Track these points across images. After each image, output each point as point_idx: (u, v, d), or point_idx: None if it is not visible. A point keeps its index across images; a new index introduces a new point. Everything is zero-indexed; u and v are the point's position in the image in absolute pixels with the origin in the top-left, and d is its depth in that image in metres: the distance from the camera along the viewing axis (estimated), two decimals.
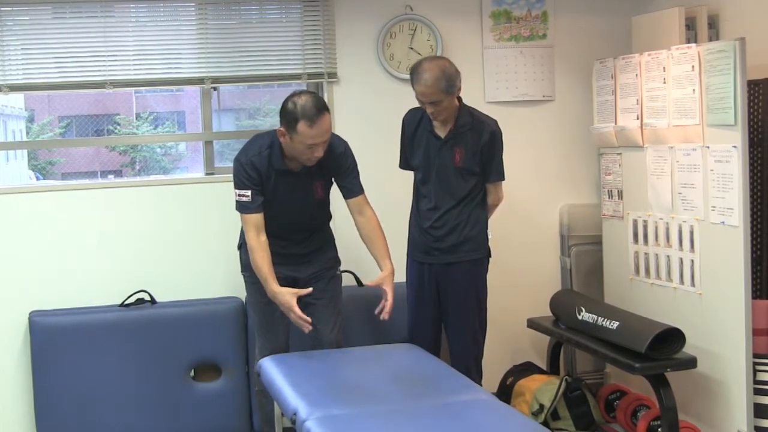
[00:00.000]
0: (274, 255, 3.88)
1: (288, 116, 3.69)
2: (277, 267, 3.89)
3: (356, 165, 3.99)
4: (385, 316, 3.85)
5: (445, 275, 4.17)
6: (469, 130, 4.11)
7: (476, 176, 4.14)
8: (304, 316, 3.73)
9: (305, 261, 4.00)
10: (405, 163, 4.31)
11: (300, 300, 3.95)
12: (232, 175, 3.90)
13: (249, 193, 3.81)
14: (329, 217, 4.10)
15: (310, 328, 3.76)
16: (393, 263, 3.95)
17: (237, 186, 3.85)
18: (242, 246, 4.04)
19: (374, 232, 3.97)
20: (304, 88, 4.84)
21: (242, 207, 3.85)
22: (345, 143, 3.98)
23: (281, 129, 3.74)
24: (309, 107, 3.65)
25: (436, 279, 4.20)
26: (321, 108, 3.68)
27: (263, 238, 3.83)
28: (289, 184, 3.86)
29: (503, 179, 4.21)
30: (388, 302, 3.85)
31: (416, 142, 4.20)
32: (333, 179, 4.01)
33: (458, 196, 4.12)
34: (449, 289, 4.18)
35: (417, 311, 4.28)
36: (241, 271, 4.07)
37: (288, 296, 3.74)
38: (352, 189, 3.98)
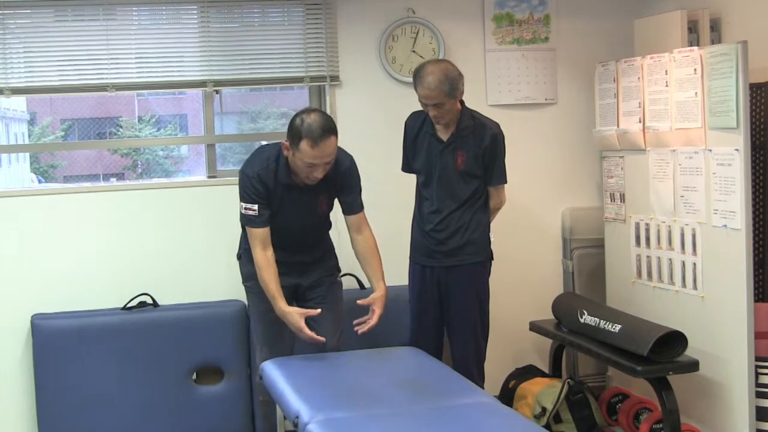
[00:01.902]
0: (277, 264, 3.87)
1: (293, 132, 3.65)
2: (280, 276, 3.88)
3: (360, 182, 3.96)
4: (362, 329, 3.80)
5: (447, 278, 4.17)
6: (471, 133, 4.11)
7: (478, 179, 4.14)
8: (315, 336, 3.71)
9: (307, 270, 3.97)
10: (407, 167, 4.31)
11: (302, 306, 3.95)
12: (236, 181, 3.84)
13: (256, 207, 3.76)
14: (330, 226, 4.08)
15: (323, 339, 3.75)
16: (386, 288, 3.90)
17: (243, 199, 3.80)
18: (242, 256, 4.03)
19: (370, 251, 3.94)
20: (306, 91, 4.85)
21: (248, 221, 3.80)
22: (351, 158, 3.94)
23: (285, 143, 3.72)
24: (315, 128, 3.59)
25: (438, 282, 4.19)
26: (327, 130, 3.61)
27: (270, 253, 3.78)
28: (294, 198, 3.82)
29: (505, 182, 4.21)
30: (372, 321, 3.81)
31: (418, 145, 4.19)
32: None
33: (460, 199, 4.12)
34: (451, 292, 4.17)
35: (419, 314, 4.27)
36: (243, 282, 4.04)
37: (297, 316, 3.70)
38: (353, 206, 3.95)
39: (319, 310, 3.80)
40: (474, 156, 4.10)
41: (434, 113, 4.03)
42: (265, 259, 3.77)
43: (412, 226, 4.30)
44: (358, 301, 3.83)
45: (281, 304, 3.73)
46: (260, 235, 3.78)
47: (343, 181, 3.90)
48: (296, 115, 3.69)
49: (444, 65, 4.03)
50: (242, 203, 3.80)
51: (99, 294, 4.54)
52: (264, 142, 4.13)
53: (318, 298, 3.96)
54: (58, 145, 9.81)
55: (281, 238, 3.86)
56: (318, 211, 3.92)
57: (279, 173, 3.78)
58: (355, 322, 3.84)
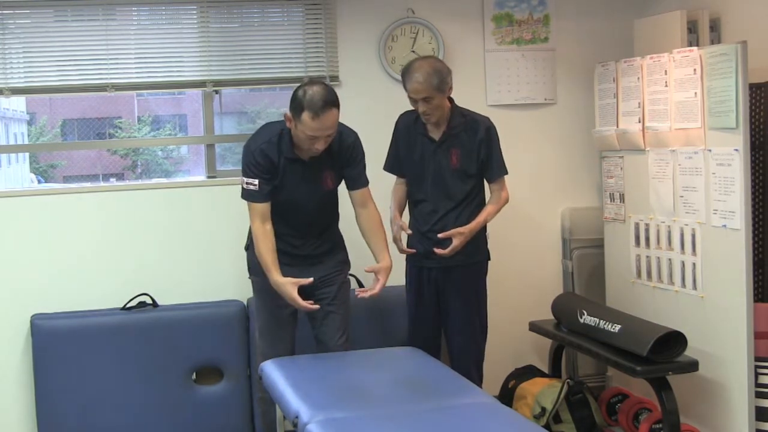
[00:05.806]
0: (285, 256, 3.85)
1: (295, 103, 3.66)
2: (289, 269, 3.86)
3: (364, 158, 3.96)
4: (362, 294, 3.81)
5: (444, 279, 4.16)
6: (463, 130, 4.10)
7: (474, 178, 4.13)
8: (309, 305, 3.72)
9: (316, 262, 3.93)
10: (390, 165, 4.29)
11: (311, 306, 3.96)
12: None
13: (256, 182, 3.77)
14: (337, 216, 4.04)
15: (317, 307, 3.76)
16: (392, 261, 3.90)
17: (245, 174, 3.81)
18: (249, 247, 4.02)
19: (375, 226, 3.93)
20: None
21: (248, 195, 3.81)
22: (355, 134, 3.94)
23: (288, 114, 3.72)
24: (317, 99, 3.61)
25: (436, 283, 4.19)
26: (328, 102, 3.63)
27: (268, 226, 3.79)
28: (298, 173, 3.82)
29: (506, 173, 4.19)
30: (375, 290, 3.80)
31: (410, 146, 4.18)
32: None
33: (457, 198, 4.11)
34: (449, 293, 4.17)
35: (417, 315, 4.27)
36: (249, 276, 4.05)
37: (290, 287, 3.69)
38: (358, 181, 3.94)
39: (311, 279, 3.78)
40: (468, 153, 4.09)
41: (423, 109, 4.01)
42: (263, 231, 3.79)
43: (408, 227, 4.28)
44: (365, 269, 3.86)
45: (275, 275, 3.73)
46: (260, 209, 3.80)
47: (347, 156, 3.89)
48: (299, 87, 3.71)
49: (431, 60, 4.06)
50: (244, 177, 3.81)
51: (99, 294, 4.54)
52: None
53: (327, 299, 3.94)
54: (57, 145, 9.79)
55: (287, 220, 3.85)
56: (324, 187, 3.89)
57: (283, 147, 3.78)
58: (357, 290, 3.88)
